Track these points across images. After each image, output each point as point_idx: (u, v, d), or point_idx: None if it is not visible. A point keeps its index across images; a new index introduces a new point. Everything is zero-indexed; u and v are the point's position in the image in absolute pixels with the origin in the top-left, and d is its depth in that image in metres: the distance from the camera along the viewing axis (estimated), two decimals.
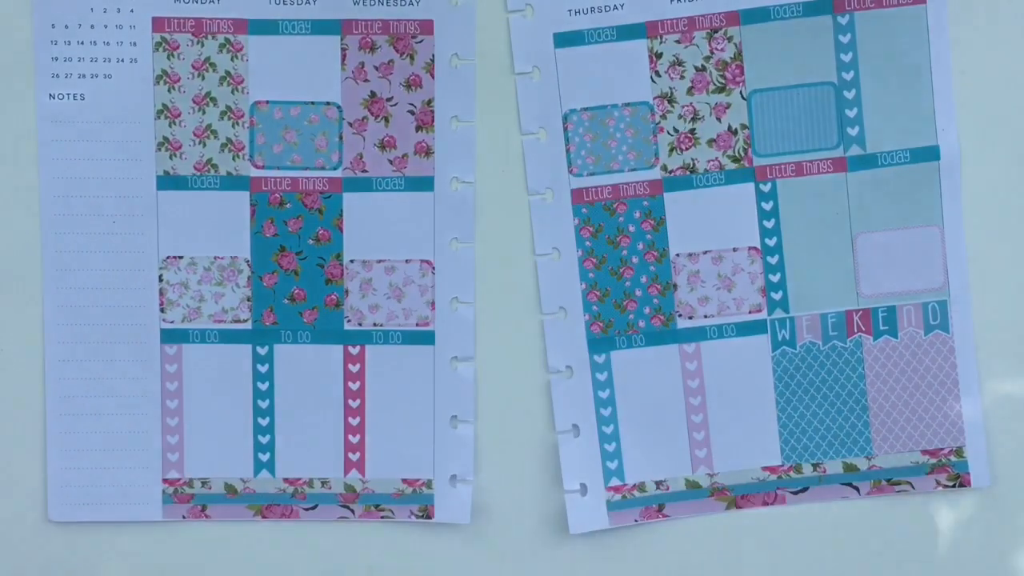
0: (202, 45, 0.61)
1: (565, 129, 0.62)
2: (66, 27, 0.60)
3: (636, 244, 0.63)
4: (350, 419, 0.63)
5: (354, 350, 0.63)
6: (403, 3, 0.61)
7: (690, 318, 0.63)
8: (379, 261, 0.62)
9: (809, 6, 0.62)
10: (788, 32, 0.62)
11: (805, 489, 0.64)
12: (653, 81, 0.62)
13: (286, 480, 0.63)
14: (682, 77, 0.62)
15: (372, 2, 0.61)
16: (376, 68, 0.61)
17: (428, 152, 0.62)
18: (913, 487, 0.64)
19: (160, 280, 0.62)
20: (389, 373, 0.63)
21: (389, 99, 0.62)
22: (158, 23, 0.60)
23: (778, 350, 0.63)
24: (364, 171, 0.62)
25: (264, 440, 0.63)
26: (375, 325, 0.63)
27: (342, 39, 0.61)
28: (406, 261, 0.62)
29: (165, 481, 0.63)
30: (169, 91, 0.61)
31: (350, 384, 0.63)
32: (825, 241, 0.63)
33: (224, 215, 0.62)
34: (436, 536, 0.63)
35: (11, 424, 0.62)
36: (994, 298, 0.63)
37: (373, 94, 0.61)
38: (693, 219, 0.63)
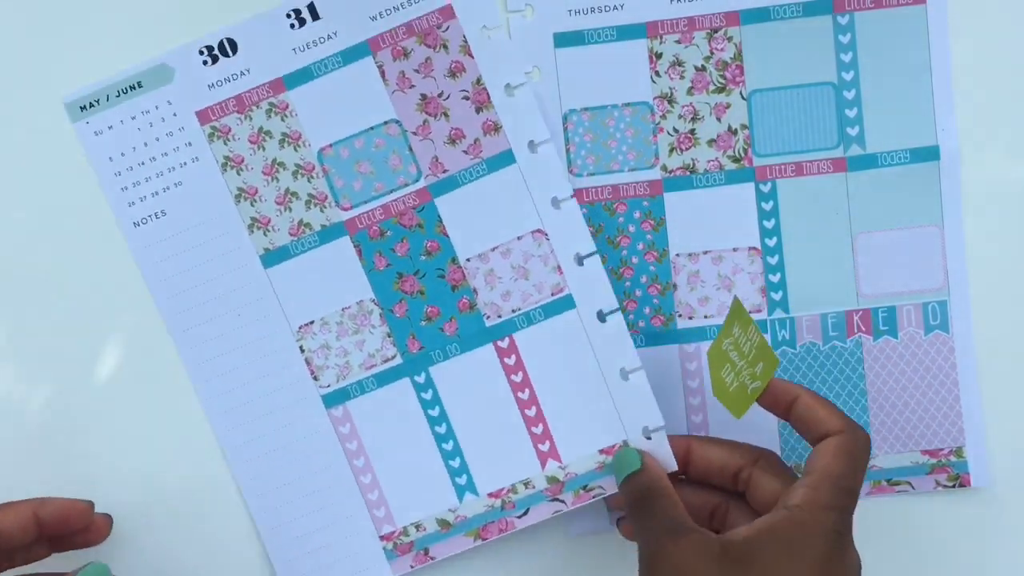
0: (250, 119, 0.61)
1: (565, 129, 0.62)
2: (122, 155, 0.62)
3: (636, 244, 0.62)
4: (526, 412, 0.62)
5: (504, 343, 0.62)
6: (416, 0, 0.60)
7: (690, 318, 0.63)
8: (492, 249, 0.61)
9: (809, 6, 0.61)
10: (788, 32, 0.62)
11: None
12: (653, 81, 0.62)
13: (490, 495, 0.62)
14: (682, 77, 0.62)
15: (389, 11, 0.60)
16: (417, 71, 0.61)
17: (496, 128, 0.61)
18: (913, 487, 0.63)
19: (302, 351, 0.62)
20: (544, 352, 0.61)
21: (440, 94, 0.61)
22: (202, 115, 0.61)
23: (778, 350, 0.63)
24: (445, 171, 0.61)
25: (455, 464, 0.62)
26: (513, 311, 0.61)
27: (375, 57, 0.61)
28: (518, 239, 0.61)
29: (382, 538, 0.63)
30: (238, 173, 0.62)
31: (512, 377, 0.62)
32: (825, 241, 0.62)
33: (333, 267, 0.62)
34: None
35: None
36: (994, 298, 0.62)
37: (424, 96, 0.61)
38: (693, 219, 0.62)
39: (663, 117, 0.62)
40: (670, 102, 0.62)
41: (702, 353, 0.63)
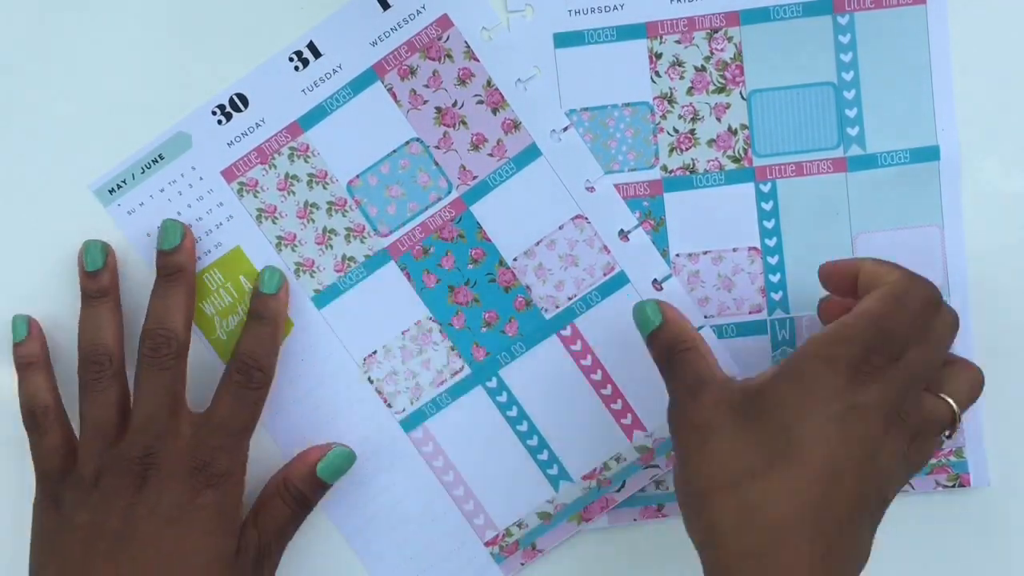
0: (275, 167, 0.62)
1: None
2: (158, 227, 0.62)
3: None
4: (601, 391, 0.63)
5: (566, 332, 0.63)
6: (412, 17, 0.61)
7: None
8: (537, 244, 0.62)
9: (809, 6, 0.61)
10: (788, 32, 0.62)
11: None
12: (653, 81, 0.62)
13: (584, 477, 0.63)
14: (682, 77, 0.62)
15: (387, 33, 0.61)
16: (427, 86, 0.61)
17: (516, 125, 0.62)
18: (913, 487, 0.64)
19: (371, 382, 0.63)
20: (608, 331, 0.62)
21: (455, 104, 0.62)
22: (227, 173, 0.62)
23: (778, 350, 0.63)
24: (474, 178, 0.62)
25: (544, 457, 0.63)
26: (570, 299, 0.62)
27: (383, 81, 0.61)
28: (560, 228, 0.62)
29: (487, 544, 0.64)
30: (274, 222, 0.62)
31: (582, 362, 0.63)
32: (825, 241, 0.62)
33: (385, 294, 0.62)
34: None
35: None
36: (993, 299, 0.63)
37: (439, 109, 0.62)
38: (693, 219, 0.62)
39: (663, 117, 0.62)
40: (670, 102, 0.62)
41: None
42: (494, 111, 0.62)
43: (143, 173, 0.61)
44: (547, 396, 0.63)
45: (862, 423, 0.50)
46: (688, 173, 0.62)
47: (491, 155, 0.62)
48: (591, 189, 0.62)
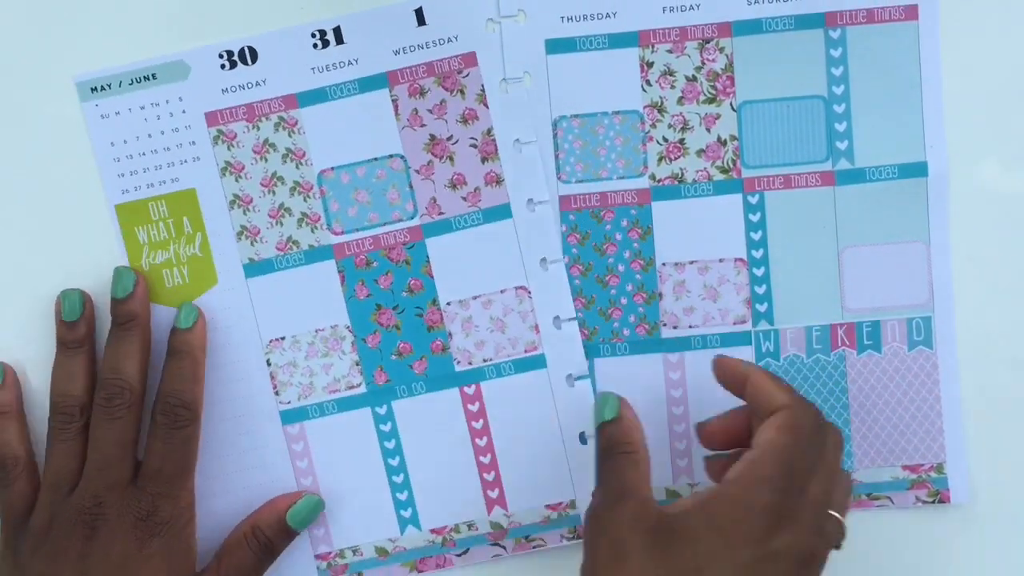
0: (258, 129, 0.61)
1: (555, 135, 0.62)
2: (125, 142, 0.61)
3: (623, 252, 0.63)
4: (481, 458, 0.63)
5: (470, 390, 0.63)
6: (442, 42, 0.61)
7: (675, 328, 0.63)
8: (475, 297, 0.62)
9: (801, 19, 0.62)
10: (780, 45, 0.62)
11: None
12: (644, 90, 0.62)
13: (433, 531, 0.63)
14: (673, 87, 0.62)
15: (412, 48, 0.61)
16: (430, 111, 0.62)
17: (498, 181, 0.62)
18: (892, 502, 0.64)
19: (268, 364, 0.63)
20: (509, 405, 0.63)
21: (449, 138, 0.62)
22: (211, 117, 0.61)
23: (762, 362, 0.64)
24: (441, 214, 0.62)
25: (403, 497, 0.63)
26: (485, 361, 0.63)
27: (391, 90, 0.61)
28: (501, 291, 0.62)
29: (317, 557, 0.63)
30: (236, 180, 0.62)
31: (473, 424, 0.63)
32: (811, 254, 0.63)
33: (315, 288, 0.62)
34: None
35: None
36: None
37: (433, 137, 0.62)
38: (680, 229, 0.63)
39: (653, 126, 0.62)
40: (660, 111, 0.62)
41: (686, 362, 0.63)
42: (483, 160, 0.62)
43: (131, 85, 0.61)
44: (428, 442, 0.63)
45: (775, 569, 0.50)
46: (676, 182, 0.63)
47: (465, 199, 0.62)
48: (545, 267, 0.62)
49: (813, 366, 0.64)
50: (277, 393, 0.63)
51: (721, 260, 0.63)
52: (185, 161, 0.61)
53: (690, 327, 0.63)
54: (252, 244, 0.62)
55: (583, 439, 0.62)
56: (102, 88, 0.61)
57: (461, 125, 0.62)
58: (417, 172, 0.62)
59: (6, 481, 0.60)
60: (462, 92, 0.62)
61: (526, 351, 0.63)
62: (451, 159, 0.62)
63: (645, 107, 0.62)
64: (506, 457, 0.63)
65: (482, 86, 0.61)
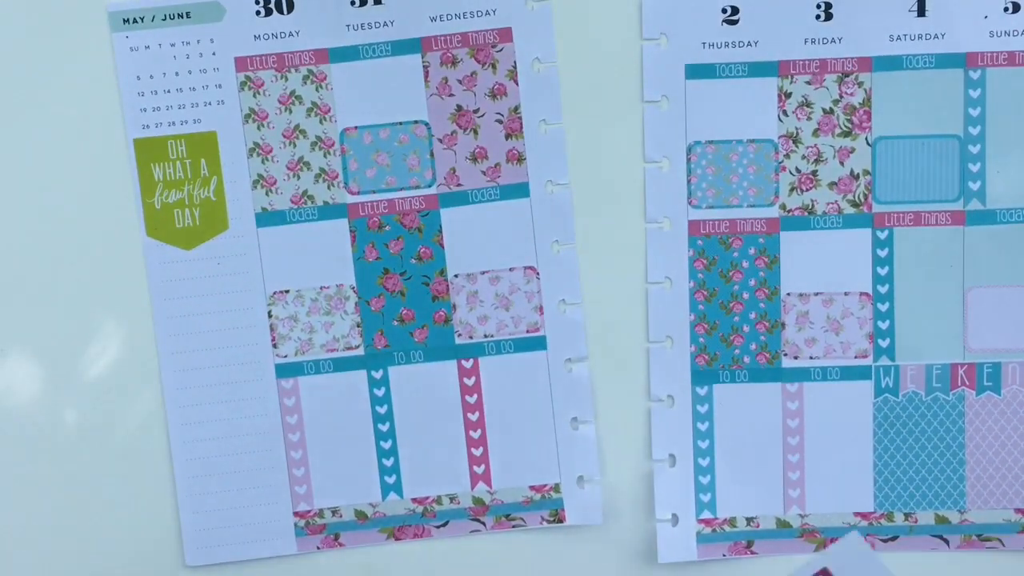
0: (286, 79, 0.61)
1: (688, 160, 0.62)
2: (151, 77, 0.61)
3: (748, 280, 0.63)
4: (471, 432, 0.63)
5: (468, 364, 0.63)
6: (480, 14, 0.61)
7: (795, 358, 0.63)
8: (483, 272, 0.62)
9: (942, 58, 0.62)
10: (919, 82, 0.62)
11: (895, 538, 0.64)
12: (780, 120, 0.62)
13: (414, 500, 0.63)
14: (809, 118, 0.62)
15: (449, 17, 0.61)
16: (460, 81, 0.61)
17: (520, 159, 0.62)
18: (1003, 544, 0.64)
19: (269, 316, 0.62)
20: (505, 382, 0.63)
21: (476, 110, 0.62)
22: (240, 63, 0.61)
23: (880, 397, 0.64)
24: (459, 185, 0.62)
25: (388, 463, 0.63)
26: (486, 336, 0.63)
27: (423, 56, 0.61)
28: (510, 269, 0.62)
29: (296, 514, 0.63)
30: (259, 128, 0.61)
31: (467, 398, 0.63)
32: (937, 292, 0.63)
33: (325, 245, 0.62)
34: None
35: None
36: None
37: (459, 107, 0.62)
38: (807, 260, 0.63)
39: (787, 156, 0.62)
40: (795, 142, 0.62)
41: (805, 393, 0.63)
42: (507, 136, 0.62)
43: (164, 21, 0.60)
44: (420, 411, 0.63)
45: None
46: (806, 214, 0.63)
47: (484, 173, 0.62)
48: (557, 250, 0.62)
49: (931, 404, 0.64)
50: (275, 346, 0.63)
51: (846, 293, 0.63)
52: (209, 103, 0.61)
53: (811, 358, 0.63)
54: (267, 194, 0.62)
55: (575, 424, 0.63)
56: (134, 20, 0.60)
57: (489, 99, 0.62)
58: (440, 141, 0.62)
59: None
60: (494, 66, 0.61)
61: (528, 331, 0.63)
62: (475, 132, 0.62)
63: (780, 137, 0.62)
64: (496, 434, 0.63)
65: (514, 62, 0.61)
